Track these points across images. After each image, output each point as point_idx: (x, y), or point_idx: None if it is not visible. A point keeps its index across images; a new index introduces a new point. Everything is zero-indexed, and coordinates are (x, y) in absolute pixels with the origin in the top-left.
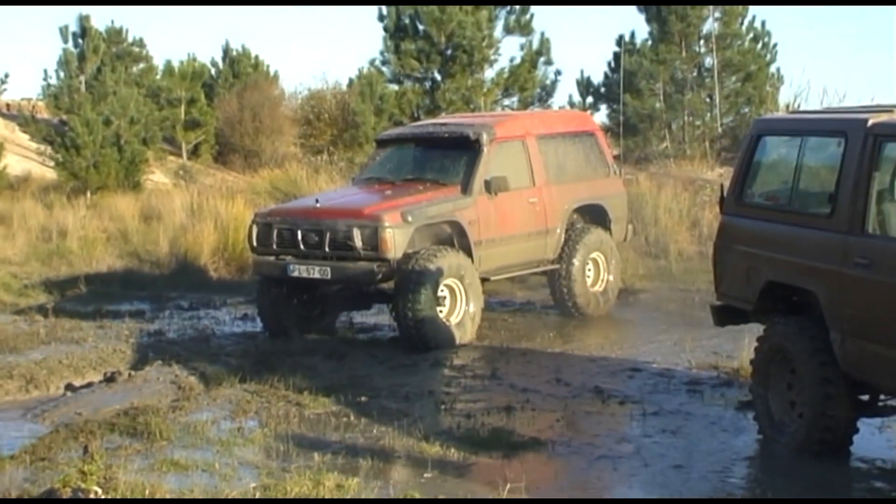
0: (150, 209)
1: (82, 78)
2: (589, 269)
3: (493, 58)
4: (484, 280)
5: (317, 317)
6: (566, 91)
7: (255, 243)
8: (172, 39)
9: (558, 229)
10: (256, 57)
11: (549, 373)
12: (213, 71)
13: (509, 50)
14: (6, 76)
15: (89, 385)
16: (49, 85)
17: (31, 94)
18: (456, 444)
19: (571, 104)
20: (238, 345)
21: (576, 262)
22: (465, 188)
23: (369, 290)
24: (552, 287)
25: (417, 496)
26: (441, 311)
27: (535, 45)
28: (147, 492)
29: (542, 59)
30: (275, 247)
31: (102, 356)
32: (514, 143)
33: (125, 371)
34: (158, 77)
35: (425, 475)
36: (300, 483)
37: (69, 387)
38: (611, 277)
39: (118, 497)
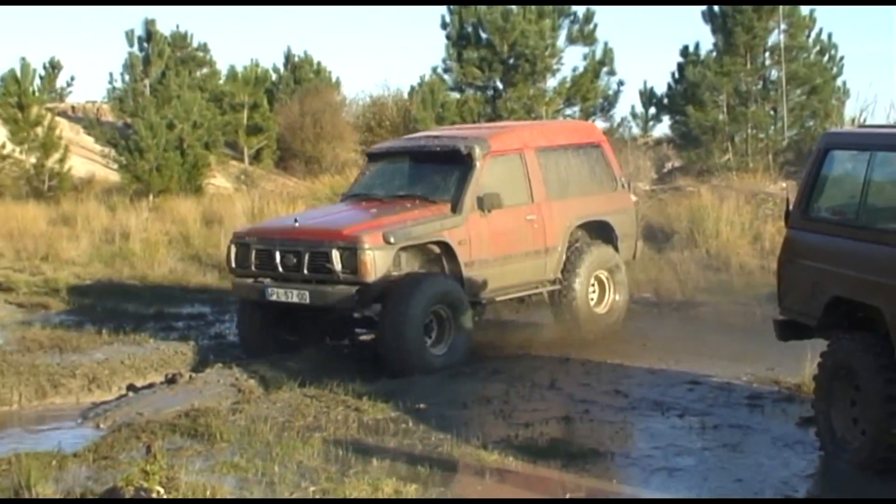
0: (212, 213)
1: (147, 81)
2: (593, 290)
3: (555, 67)
4: (476, 303)
5: (300, 342)
6: (629, 102)
7: (233, 265)
8: (236, 45)
9: (559, 248)
10: (318, 63)
11: (608, 384)
12: (274, 77)
13: (572, 59)
14: (72, 79)
15: (150, 386)
16: (114, 88)
17: (96, 96)
18: (514, 453)
19: (634, 115)
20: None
21: (577, 282)
22: (456, 206)
23: (352, 315)
24: (553, 308)
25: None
26: (427, 341)
27: (598, 55)
28: (208, 492)
29: (604, 70)
30: (253, 268)
31: (164, 358)
32: (510, 157)
33: (186, 373)
34: (221, 82)
35: (484, 483)
36: (358, 488)
37: (131, 387)
38: (617, 297)
39: (180, 497)
